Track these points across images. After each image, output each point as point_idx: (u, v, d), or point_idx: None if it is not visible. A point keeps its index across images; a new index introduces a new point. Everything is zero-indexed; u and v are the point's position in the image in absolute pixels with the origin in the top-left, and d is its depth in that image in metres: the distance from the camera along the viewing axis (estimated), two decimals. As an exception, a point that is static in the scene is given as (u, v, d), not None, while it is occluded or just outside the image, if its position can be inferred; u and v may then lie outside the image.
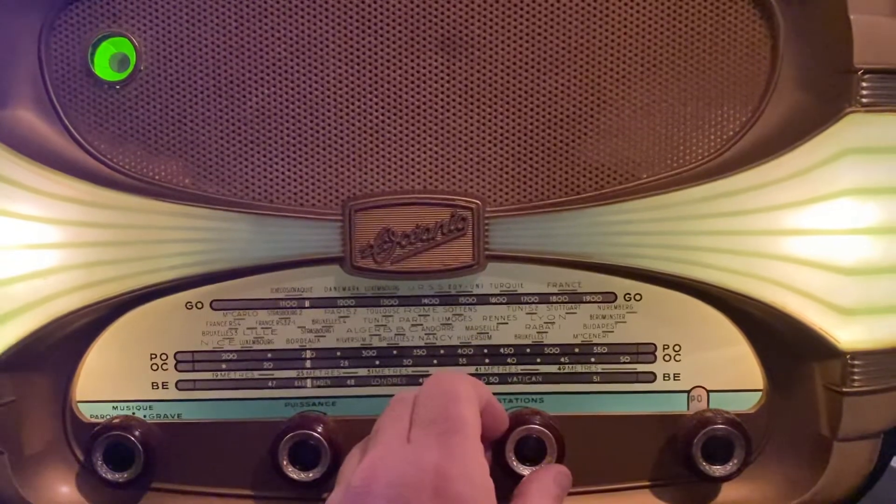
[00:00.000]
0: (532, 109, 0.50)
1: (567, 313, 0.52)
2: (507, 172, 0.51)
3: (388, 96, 0.50)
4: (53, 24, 0.50)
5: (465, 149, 0.51)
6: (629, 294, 0.52)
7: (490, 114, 0.50)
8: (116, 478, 0.51)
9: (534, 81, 0.50)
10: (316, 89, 0.50)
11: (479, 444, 0.41)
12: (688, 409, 0.52)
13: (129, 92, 0.51)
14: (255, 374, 0.53)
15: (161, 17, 0.50)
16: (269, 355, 0.52)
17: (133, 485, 0.51)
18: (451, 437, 0.40)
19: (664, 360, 0.52)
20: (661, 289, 0.51)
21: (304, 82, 0.50)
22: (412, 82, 0.50)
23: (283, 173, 0.51)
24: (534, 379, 0.53)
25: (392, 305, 0.52)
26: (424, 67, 0.50)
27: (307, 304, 0.52)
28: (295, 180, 0.51)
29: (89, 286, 0.51)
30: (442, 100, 0.50)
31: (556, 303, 0.52)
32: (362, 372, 0.53)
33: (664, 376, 0.52)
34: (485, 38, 0.50)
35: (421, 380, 0.51)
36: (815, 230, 0.49)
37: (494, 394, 0.49)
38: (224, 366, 0.53)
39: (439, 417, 0.40)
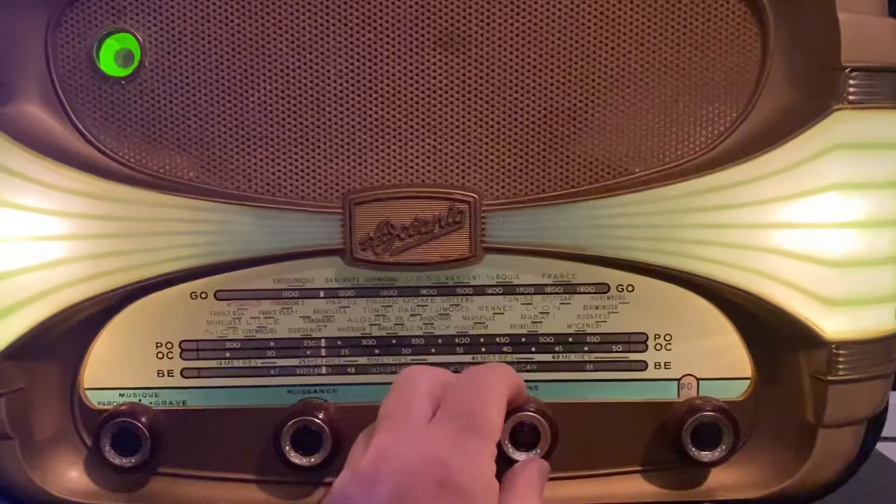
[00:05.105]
0: (528, 105, 0.50)
1: (561, 304, 0.53)
2: (503, 167, 0.51)
3: (388, 92, 0.50)
4: (60, 21, 0.50)
5: (463, 143, 0.51)
6: (622, 285, 0.52)
7: (487, 109, 0.51)
8: (123, 463, 0.51)
9: (530, 78, 0.50)
10: (317, 85, 0.50)
11: (493, 448, 0.41)
12: (678, 396, 0.53)
13: (134, 87, 0.51)
14: (258, 363, 0.53)
15: (165, 13, 0.50)
16: (272, 344, 0.53)
17: (139, 469, 0.52)
18: (468, 434, 0.40)
19: (655, 349, 0.53)
20: (652, 280, 0.52)
21: (305, 78, 0.50)
22: (411, 78, 0.50)
23: (284, 167, 0.51)
24: (529, 367, 0.53)
25: (391, 296, 0.53)
26: (423, 64, 0.50)
27: (309, 294, 0.53)
28: (296, 174, 0.51)
29: (96, 277, 0.51)
30: (440, 96, 0.50)
31: (551, 293, 0.52)
32: (362, 360, 0.53)
33: (655, 365, 0.53)
34: (482, 36, 0.50)
35: (419, 368, 0.53)
36: (803, 223, 0.50)
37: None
38: (228, 354, 0.53)
39: (464, 414, 0.41)
